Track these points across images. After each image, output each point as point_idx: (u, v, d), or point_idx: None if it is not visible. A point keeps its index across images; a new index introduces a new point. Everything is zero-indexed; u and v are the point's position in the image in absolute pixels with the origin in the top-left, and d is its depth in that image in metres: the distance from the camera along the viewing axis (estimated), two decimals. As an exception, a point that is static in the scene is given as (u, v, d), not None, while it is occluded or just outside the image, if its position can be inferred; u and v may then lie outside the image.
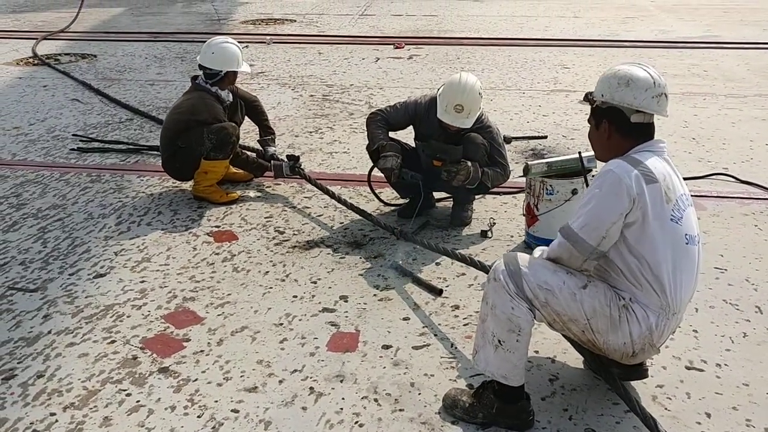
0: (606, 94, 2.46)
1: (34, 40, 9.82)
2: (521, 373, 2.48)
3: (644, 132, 2.45)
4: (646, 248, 2.33)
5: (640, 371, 2.68)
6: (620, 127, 2.45)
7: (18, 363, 2.95)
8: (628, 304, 2.37)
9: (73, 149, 5.60)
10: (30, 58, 8.97)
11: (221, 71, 4.48)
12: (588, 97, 2.58)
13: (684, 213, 2.39)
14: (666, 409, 2.63)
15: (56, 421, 2.61)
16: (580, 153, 3.32)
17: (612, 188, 2.31)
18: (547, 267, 2.45)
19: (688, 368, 2.86)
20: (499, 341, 2.43)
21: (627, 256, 2.35)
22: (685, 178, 2.53)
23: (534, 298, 2.40)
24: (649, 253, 2.33)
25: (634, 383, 2.74)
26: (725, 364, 2.87)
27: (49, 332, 3.17)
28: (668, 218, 2.34)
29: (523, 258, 2.47)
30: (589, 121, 2.58)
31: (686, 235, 2.39)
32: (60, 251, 3.92)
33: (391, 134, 4.20)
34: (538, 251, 2.66)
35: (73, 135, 5.92)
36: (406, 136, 4.35)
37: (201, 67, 4.51)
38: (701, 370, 2.84)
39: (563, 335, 2.68)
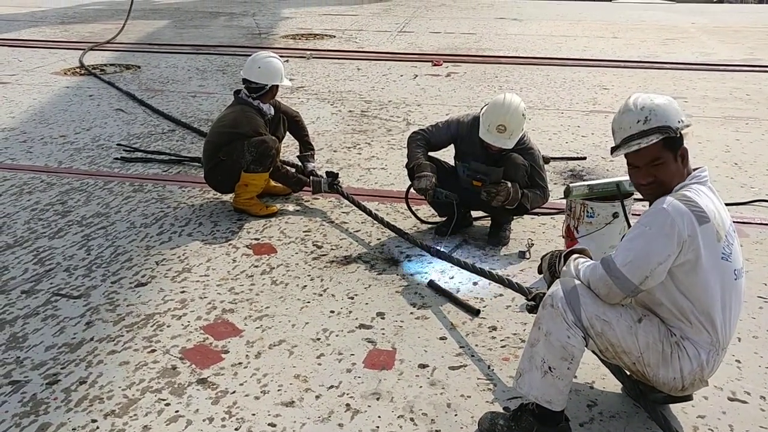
0: (668, 121, 2.33)
1: (82, 51, 10.08)
2: (565, 398, 2.46)
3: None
4: (698, 288, 2.29)
5: (684, 395, 2.58)
6: (678, 146, 2.36)
7: (61, 368, 3.01)
8: (679, 341, 2.34)
9: (116, 158, 5.72)
10: (77, 68, 9.21)
11: (266, 85, 4.55)
12: (635, 143, 2.35)
13: (733, 248, 2.35)
14: (708, 440, 2.59)
15: (97, 428, 2.65)
16: (618, 184, 3.24)
17: (663, 229, 2.23)
18: None
19: (731, 399, 2.80)
20: (550, 368, 2.40)
21: (676, 295, 2.32)
22: (727, 204, 2.47)
23: (590, 327, 2.36)
24: (701, 293, 2.29)
25: (675, 412, 2.70)
26: (770, 397, 2.82)
27: (92, 339, 3.23)
28: (719, 257, 2.30)
29: (580, 286, 2.40)
30: (655, 161, 2.35)
31: (735, 270, 2.36)
32: (103, 259, 4.00)
33: (432, 153, 4.22)
34: (573, 265, 2.50)
35: (117, 144, 6.05)
36: (444, 154, 4.36)
37: (245, 81, 4.59)
38: (745, 402, 2.78)
39: (601, 361, 2.65)
